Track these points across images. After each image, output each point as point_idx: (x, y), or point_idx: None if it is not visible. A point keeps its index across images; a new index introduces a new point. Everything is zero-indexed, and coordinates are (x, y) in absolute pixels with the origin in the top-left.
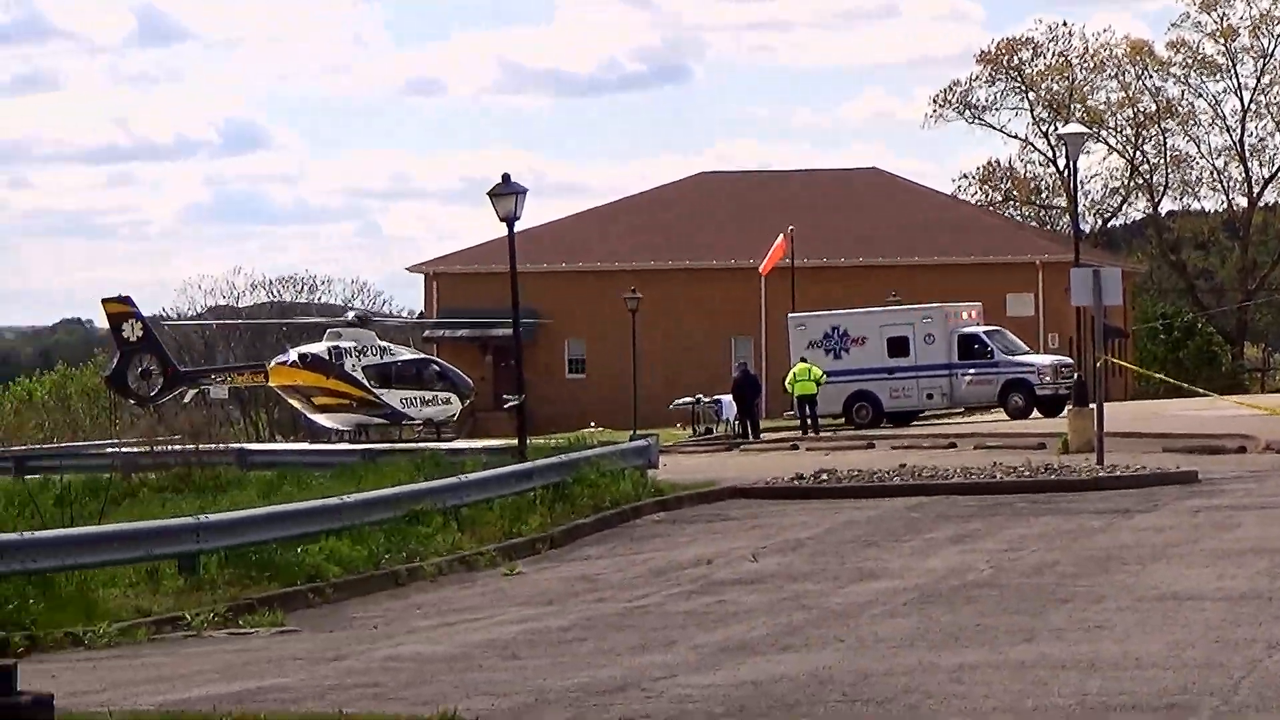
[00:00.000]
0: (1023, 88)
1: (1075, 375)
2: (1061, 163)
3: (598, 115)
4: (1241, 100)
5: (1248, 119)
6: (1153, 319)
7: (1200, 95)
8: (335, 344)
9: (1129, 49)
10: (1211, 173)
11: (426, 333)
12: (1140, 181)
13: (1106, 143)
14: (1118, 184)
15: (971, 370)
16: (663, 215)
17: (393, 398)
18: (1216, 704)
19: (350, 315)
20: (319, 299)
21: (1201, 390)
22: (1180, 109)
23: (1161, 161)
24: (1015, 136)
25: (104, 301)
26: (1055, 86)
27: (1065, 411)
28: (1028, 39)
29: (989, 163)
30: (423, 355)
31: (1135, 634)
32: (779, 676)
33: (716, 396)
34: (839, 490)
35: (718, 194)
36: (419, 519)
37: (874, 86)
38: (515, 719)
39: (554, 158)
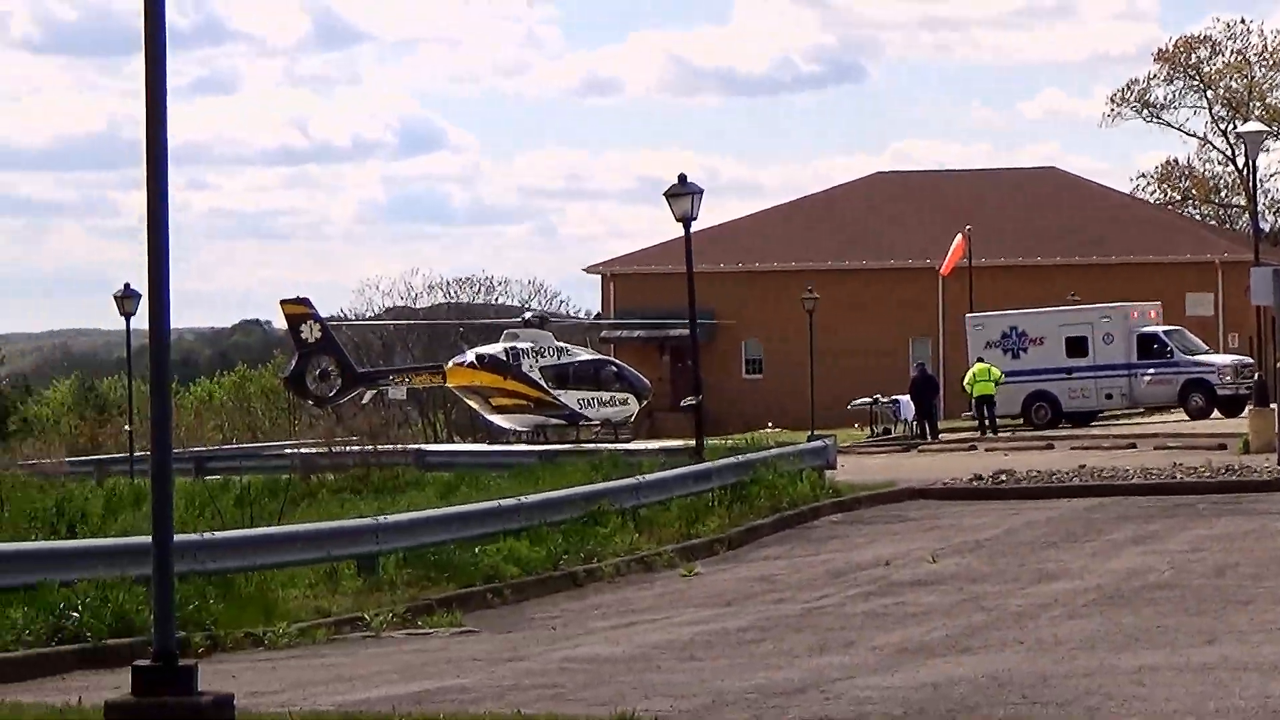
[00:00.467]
0: (1201, 86)
1: (1256, 375)
2: (1241, 161)
3: (773, 115)
4: None
5: None
6: None
7: None
8: (512, 345)
9: None
10: None
11: (603, 333)
12: None
13: None
14: None
15: (1151, 370)
16: (840, 215)
17: (570, 398)
18: None
19: (527, 316)
20: (496, 300)
21: None
22: None
23: None
24: (1194, 135)
25: (282, 303)
26: (1234, 84)
27: (1246, 412)
28: (1205, 37)
29: (1167, 161)
30: (600, 356)
31: None
32: (958, 679)
33: (894, 397)
34: (1018, 491)
35: (895, 194)
36: (597, 519)
37: (1051, 85)
38: None
39: (729, 158)
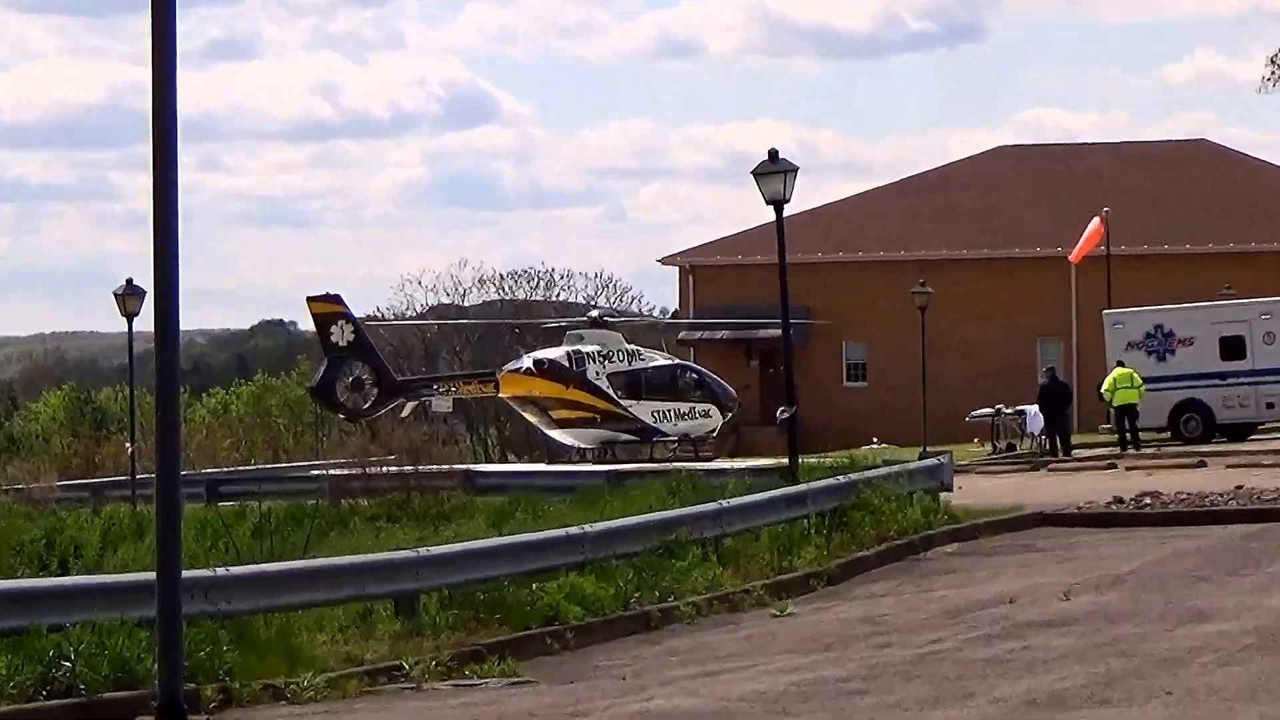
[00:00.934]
0: None
1: None
2: None
3: (878, 81)
4: None
5: None
6: None
7: None
8: (576, 348)
9: None
10: None
11: (682, 334)
12: None
13: None
14: None
15: None
16: (956, 196)
17: (643, 410)
18: None
19: (594, 314)
20: (557, 296)
21: None
22: None
23: None
24: None
25: (309, 300)
26: None
27: None
28: None
29: None
30: (678, 361)
31: None
32: None
33: (1020, 407)
34: (1164, 516)
35: (1020, 171)
36: (674, 551)
37: (1201, 46)
38: None
39: (828, 130)
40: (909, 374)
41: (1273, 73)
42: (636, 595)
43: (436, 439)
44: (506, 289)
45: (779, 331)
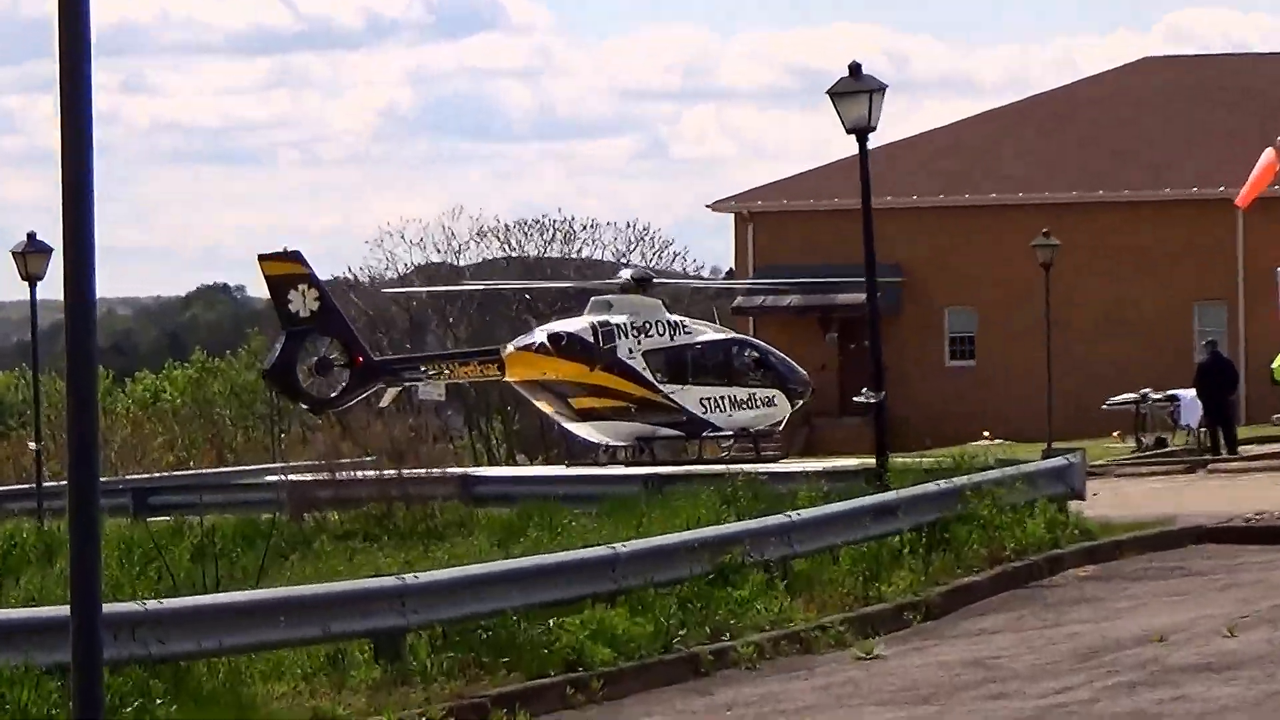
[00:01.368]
0: None
1: None
2: None
3: None
4: None
5: None
6: None
7: None
8: (604, 319)
9: None
10: None
11: (738, 300)
12: None
13: None
14: None
15: None
16: (1088, 123)
17: (689, 397)
18: None
19: (625, 276)
20: (578, 252)
21: None
22: None
23: None
24: None
25: (261, 259)
26: None
27: None
28: None
29: None
30: (733, 334)
31: None
32: None
33: (1172, 392)
34: None
35: (1170, 90)
36: (729, 577)
37: None
38: None
39: (924, 38)
40: (1029, 350)
41: None
42: (682, 633)
43: (426, 435)
44: (513, 244)
45: (862, 296)
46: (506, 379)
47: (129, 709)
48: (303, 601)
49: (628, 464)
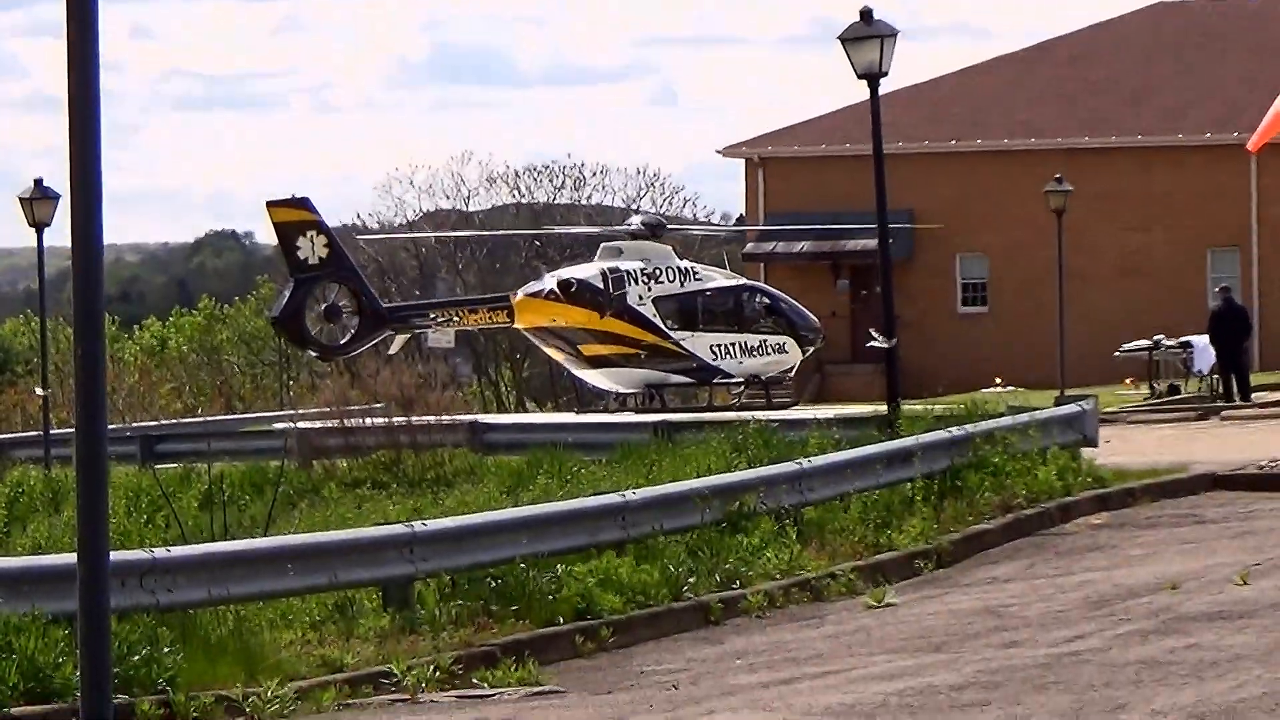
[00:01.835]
0: None
1: None
2: None
3: None
4: None
5: None
6: None
7: None
8: (614, 265)
9: None
10: None
11: (749, 246)
12: None
13: None
14: None
15: None
16: (1102, 68)
17: (699, 344)
18: None
19: (636, 222)
20: (588, 198)
21: None
22: None
23: None
24: None
25: (270, 206)
26: None
27: None
28: None
29: None
30: (744, 280)
31: None
32: None
33: (1185, 339)
34: None
35: (1184, 34)
36: (739, 524)
37: None
38: None
39: None
40: (1042, 296)
41: None
42: (691, 581)
43: (435, 382)
44: (523, 189)
45: (874, 242)
46: (516, 326)
47: (137, 657)
48: (311, 550)
49: (638, 411)
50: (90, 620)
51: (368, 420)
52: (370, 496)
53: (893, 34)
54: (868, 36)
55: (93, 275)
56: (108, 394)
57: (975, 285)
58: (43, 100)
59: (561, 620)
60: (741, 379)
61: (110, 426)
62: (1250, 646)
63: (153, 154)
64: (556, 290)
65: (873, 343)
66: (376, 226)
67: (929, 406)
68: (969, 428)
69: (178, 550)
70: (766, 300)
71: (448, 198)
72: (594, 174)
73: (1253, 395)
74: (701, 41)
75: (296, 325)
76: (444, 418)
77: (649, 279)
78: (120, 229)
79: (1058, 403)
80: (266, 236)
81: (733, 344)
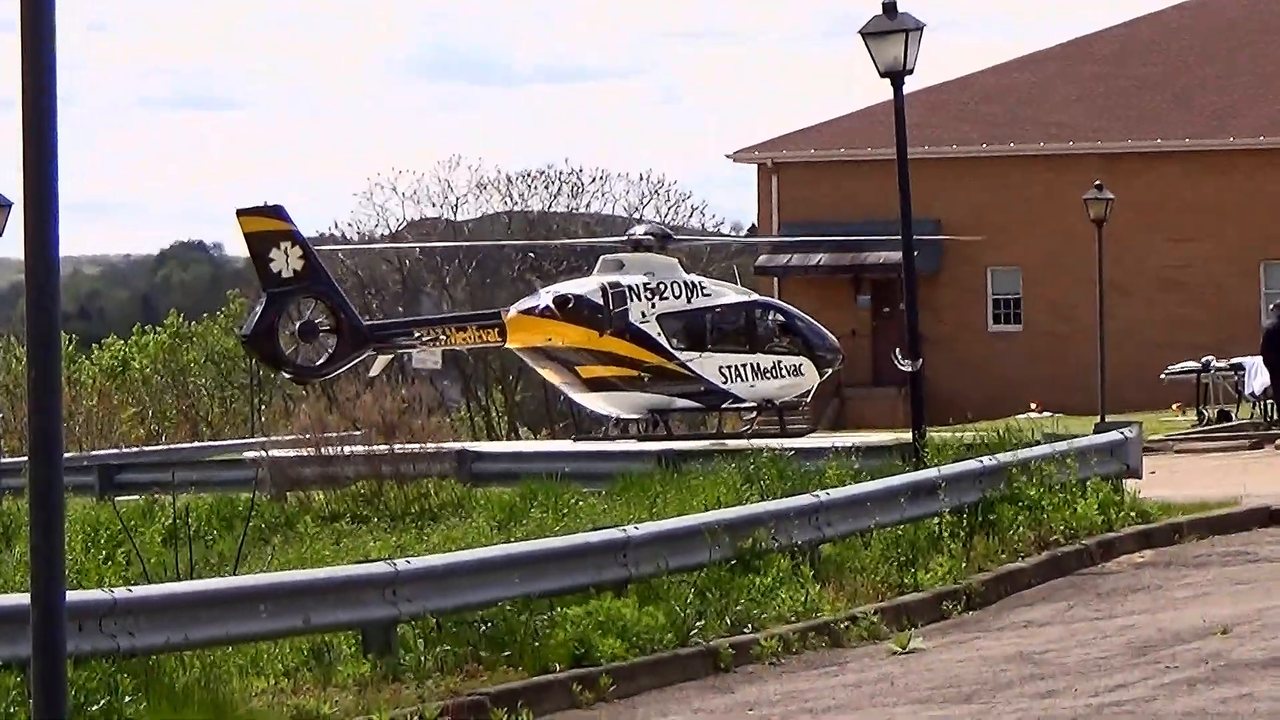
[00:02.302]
0: None
1: None
2: None
3: None
4: None
5: None
6: None
7: None
8: (614, 279)
9: None
10: None
11: (762, 259)
12: None
13: None
14: None
15: None
16: (1143, 64)
17: (708, 366)
18: None
19: (639, 233)
20: (586, 206)
21: None
22: None
23: None
24: None
25: (240, 214)
26: None
27: None
28: None
29: None
30: (756, 296)
31: None
32: None
33: (1236, 360)
34: None
35: (1235, 27)
36: (750, 563)
37: None
38: None
39: None
40: (1080, 313)
41: None
42: (700, 625)
43: (419, 407)
44: (516, 196)
45: (898, 254)
46: (508, 345)
47: (95, 707)
48: (285, 589)
49: (640, 439)
50: (45, 666)
51: (346, 449)
52: (349, 532)
53: (918, 28)
54: (891, 31)
55: (48, 290)
56: (64, 419)
57: (1008, 301)
58: None
59: (557, 667)
60: (754, 404)
61: (66, 455)
62: None
63: (114, 158)
64: (552, 307)
65: (898, 363)
66: (356, 237)
67: (957, 434)
68: (1001, 457)
69: (140, 590)
70: (781, 318)
71: (434, 205)
72: (593, 180)
73: None
74: (710, 36)
75: (269, 344)
76: (429, 446)
77: (653, 294)
78: (78, 239)
79: (1098, 430)
80: (237, 248)
81: (744, 365)
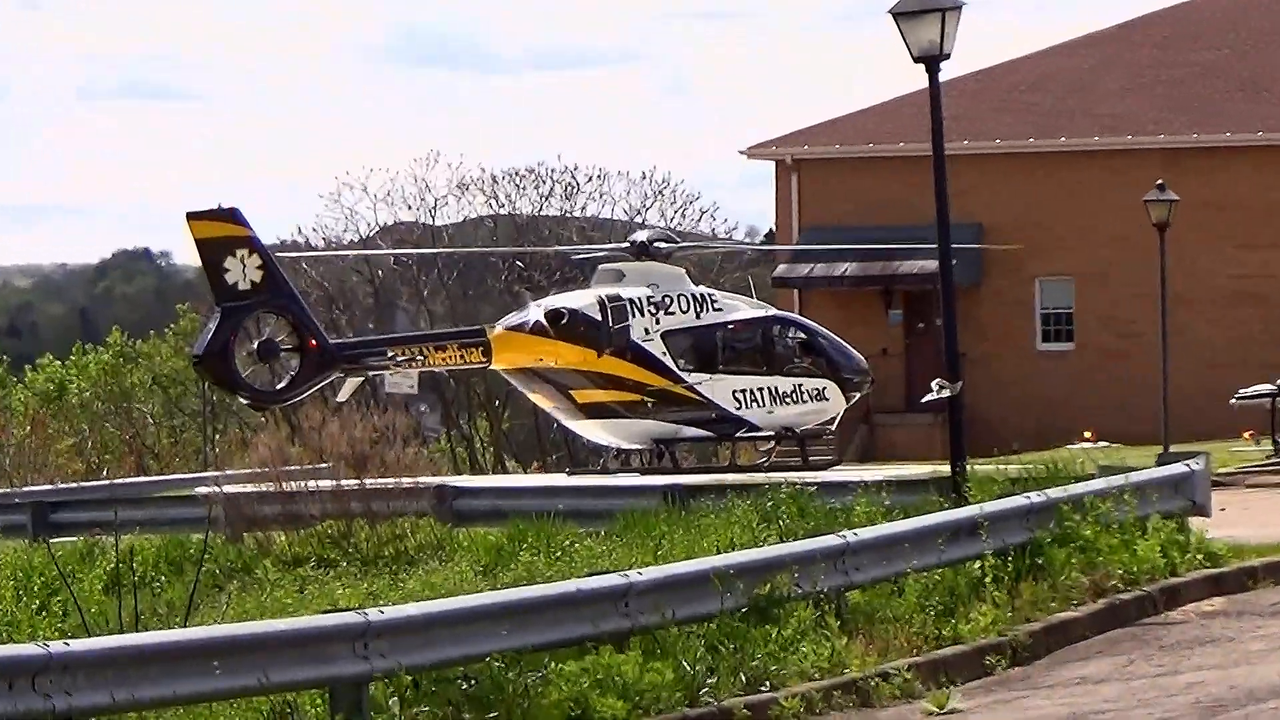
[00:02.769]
0: None
1: None
2: None
3: None
4: None
5: None
6: None
7: None
8: (614, 292)
9: None
10: None
11: (780, 269)
12: None
13: None
14: None
15: None
16: (1207, 48)
17: (719, 389)
18: None
19: (640, 238)
20: (582, 209)
21: None
22: None
23: None
24: None
25: (191, 218)
26: None
27: None
28: None
29: None
30: (774, 312)
31: None
32: None
33: None
34: None
35: None
36: (769, 612)
37: None
38: None
39: None
40: (1139, 329)
41: None
42: (711, 682)
43: (393, 437)
44: (502, 198)
45: (934, 264)
46: (493, 366)
47: None
48: (242, 643)
49: (643, 472)
50: None
51: (311, 484)
52: (315, 577)
53: (956, 7)
54: (926, 10)
55: None
56: None
57: (1058, 316)
58: None
59: None
60: (771, 432)
61: None
62: None
63: (48, 155)
64: (543, 322)
65: (930, 395)
66: (322, 244)
67: (1002, 466)
68: (1051, 493)
69: (78, 644)
70: (802, 335)
71: (410, 208)
72: (589, 179)
73: None
74: (720, 17)
75: (224, 366)
76: (405, 481)
77: (657, 309)
78: (7, 247)
79: (1160, 462)
80: (187, 256)
81: (760, 389)
